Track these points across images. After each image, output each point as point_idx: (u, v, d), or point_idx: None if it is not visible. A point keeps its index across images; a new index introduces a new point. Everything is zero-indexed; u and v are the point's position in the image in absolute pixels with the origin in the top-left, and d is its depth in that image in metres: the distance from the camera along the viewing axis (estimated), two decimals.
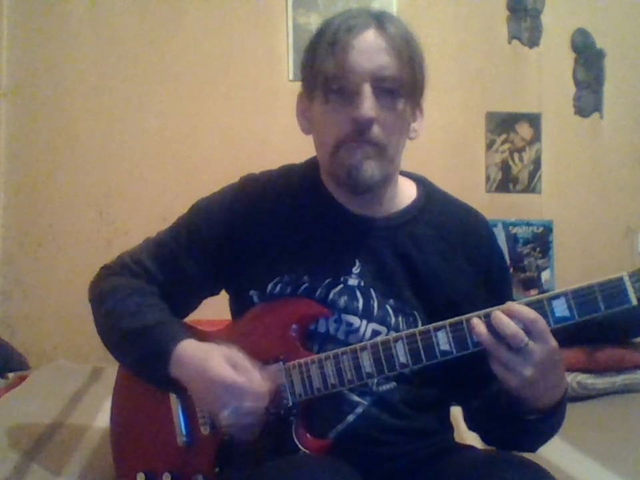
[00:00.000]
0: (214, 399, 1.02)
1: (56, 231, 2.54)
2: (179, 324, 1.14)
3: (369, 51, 1.04)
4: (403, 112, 1.07)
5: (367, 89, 1.03)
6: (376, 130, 1.04)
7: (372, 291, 1.10)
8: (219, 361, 1.02)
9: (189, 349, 1.06)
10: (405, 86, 1.06)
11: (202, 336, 1.14)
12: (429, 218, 1.16)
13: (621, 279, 0.89)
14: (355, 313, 1.09)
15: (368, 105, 1.02)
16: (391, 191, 1.15)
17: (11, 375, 2.17)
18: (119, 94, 2.57)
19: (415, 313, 1.10)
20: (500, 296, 1.06)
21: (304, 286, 1.11)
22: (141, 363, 1.11)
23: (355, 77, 1.03)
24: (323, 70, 1.05)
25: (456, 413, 1.22)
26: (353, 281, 1.11)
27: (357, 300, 1.10)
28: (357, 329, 1.09)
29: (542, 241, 2.65)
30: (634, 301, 0.88)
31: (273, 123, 2.59)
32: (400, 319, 1.10)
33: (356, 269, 1.11)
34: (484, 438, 1.18)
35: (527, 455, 1.02)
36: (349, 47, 1.03)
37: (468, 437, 1.29)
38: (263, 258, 1.14)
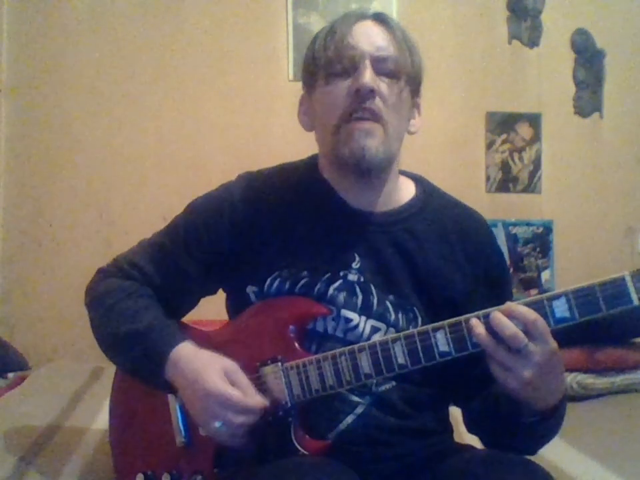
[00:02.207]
0: (205, 409, 1.01)
1: (56, 231, 2.54)
2: (175, 326, 1.13)
3: (368, 34, 1.07)
4: (403, 93, 1.08)
5: (367, 63, 1.04)
6: (378, 102, 1.05)
7: (371, 286, 1.10)
8: (216, 373, 1.02)
9: (185, 354, 1.06)
10: (404, 69, 1.08)
11: (199, 336, 1.13)
12: (428, 215, 1.16)
13: (622, 279, 0.87)
14: (353, 309, 1.09)
15: (369, 75, 1.04)
16: (391, 184, 1.15)
17: (11, 374, 2.17)
18: (118, 93, 2.57)
19: (415, 309, 1.10)
20: (499, 294, 1.06)
21: (303, 281, 1.10)
22: (137, 366, 1.11)
23: (356, 55, 1.05)
24: (324, 56, 1.07)
25: (456, 413, 1.22)
26: (352, 277, 1.10)
27: (356, 296, 1.09)
28: (356, 326, 1.08)
29: (542, 240, 2.65)
30: (636, 301, 0.87)
31: (273, 123, 2.59)
32: (400, 315, 1.09)
33: (355, 264, 1.11)
34: (483, 440, 1.17)
35: (526, 455, 1.01)
36: (348, 32, 1.06)
37: (468, 437, 1.29)
38: (262, 253, 1.13)
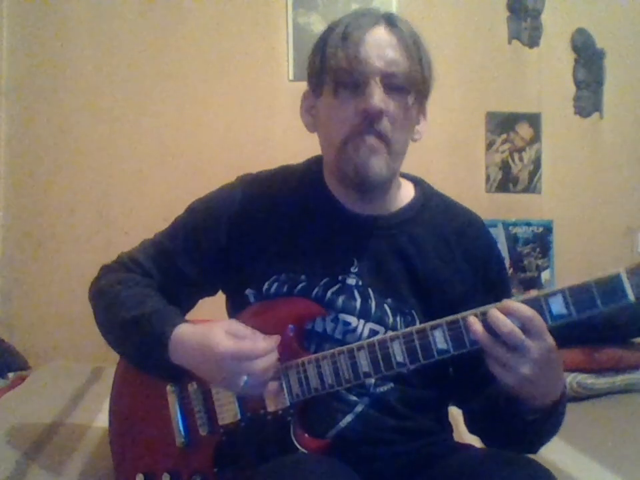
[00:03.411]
0: (227, 372, 1.01)
1: (56, 231, 2.54)
2: (175, 310, 1.14)
3: (380, 46, 1.05)
4: (410, 109, 1.08)
5: (377, 82, 1.03)
6: (385, 123, 1.04)
7: (370, 290, 1.10)
8: (219, 336, 1.02)
9: (187, 331, 1.07)
10: (414, 84, 1.06)
11: None
12: (427, 218, 1.16)
13: (618, 276, 0.88)
14: (352, 313, 1.09)
15: (378, 97, 1.02)
16: (392, 190, 1.15)
17: (11, 374, 2.18)
18: (118, 94, 2.57)
19: (413, 312, 1.10)
20: (498, 297, 1.06)
21: (301, 285, 1.11)
22: (140, 352, 1.11)
23: (366, 70, 1.03)
24: (334, 63, 1.05)
25: (455, 412, 1.22)
26: (351, 280, 1.11)
27: (355, 299, 1.10)
28: (355, 329, 1.09)
29: (542, 241, 2.65)
30: (631, 297, 0.87)
31: (273, 122, 2.59)
32: (398, 318, 1.09)
33: (354, 268, 1.11)
34: (484, 440, 1.18)
35: (527, 454, 1.01)
36: (360, 41, 1.04)
37: (468, 437, 1.29)
38: (260, 256, 1.14)
